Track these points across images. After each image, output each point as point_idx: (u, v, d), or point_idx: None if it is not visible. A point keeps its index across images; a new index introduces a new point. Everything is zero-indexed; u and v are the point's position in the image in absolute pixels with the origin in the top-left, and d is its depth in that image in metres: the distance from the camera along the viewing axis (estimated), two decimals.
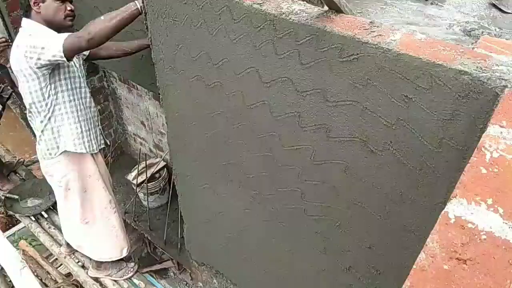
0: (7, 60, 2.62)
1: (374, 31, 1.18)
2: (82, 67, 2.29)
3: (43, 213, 3.32)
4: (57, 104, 2.14)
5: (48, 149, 2.25)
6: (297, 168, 1.60)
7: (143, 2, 1.75)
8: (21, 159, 3.96)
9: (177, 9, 1.58)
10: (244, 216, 2.05)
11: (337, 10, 1.27)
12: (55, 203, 3.10)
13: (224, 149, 1.87)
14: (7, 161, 3.84)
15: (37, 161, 4.31)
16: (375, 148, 1.32)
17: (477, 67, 1.02)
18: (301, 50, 1.31)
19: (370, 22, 1.22)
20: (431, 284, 0.55)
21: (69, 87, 2.16)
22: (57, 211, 3.19)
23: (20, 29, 2.08)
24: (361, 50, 1.17)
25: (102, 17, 1.88)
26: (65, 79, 2.13)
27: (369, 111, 1.26)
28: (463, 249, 0.60)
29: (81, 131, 2.25)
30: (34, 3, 2.01)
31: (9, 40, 2.86)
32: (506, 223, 0.63)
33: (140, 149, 3.67)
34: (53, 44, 1.89)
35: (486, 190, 0.69)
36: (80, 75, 2.23)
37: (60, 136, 2.21)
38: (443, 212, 0.66)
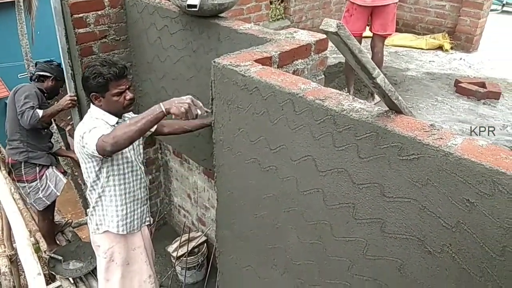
0: (67, 124, 2.85)
1: (434, 134, 1.22)
2: (140, 146, 2.43)
3: (82, 276, 3.35)
4: (108, 186, 2.25)
5: (97, 225, 2.35)
6: (348, 261, 1.57)
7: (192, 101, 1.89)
8: (70, 220, 4.11)
9: (243, 98, 1.71)
10: None
11: (398, 111, 1.33)
12: (95, 268, 3.15)
13: (272, 232, 1.88)
14: (56, 221, 3.99)
15: (84, 223, 4.47)
16: (432, 249, 1.28)
17: None
18: (359, 145, 1.36)
19: (431, 124, 1.26)
20: None
21: (121, 172, 2.26)
22: (95, 277, 3.23)
23: (87, 112, 2.27)
24: (421, 151, 1.20)
25: (128, 121, 1.96)
26: (117, 164, 2.23)
27: (428, 211, 1.25)
28: None
29: (126, 213, 2.33)
30: (95, 99, 2.18)
31: (76, 101, 3.13)
32: None
33: (185, 223, 3.73)
34: (89, 143, 2.00)
35: None
36: (134, 157, 2.33)
37: (106, 215, 2.32)
38: None
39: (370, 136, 1.32)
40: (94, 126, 2.06)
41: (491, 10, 5.71)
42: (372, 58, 3.69)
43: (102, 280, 2.55)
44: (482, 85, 4.01)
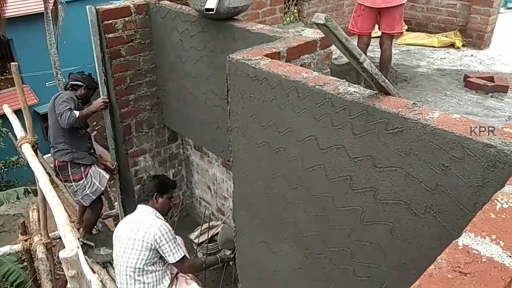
0: (93, 130, 3.18)
1: (415, 110, 1.42)
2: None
3: (111, 261, 3.64)
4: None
5: None
6: (347, 228, 1.78)
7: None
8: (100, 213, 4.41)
9: (254, 88, 1.95)
10: (296, 276, 2.19)
11: (386, 93, 1.54)
12: None
13: (282, 208, 2.10)
14: None
15: (113, 215, 4.77)
16: (417, 211, 1.48)
17: (502, 142, 1.21)
18: (353, 123, 1.57)
19: (413, 103, 1.46)
20: (435, 286, 0.72)
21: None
22: None
23: (149, 209, 2.78)
24: (404, 124, 1.41)
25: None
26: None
27: (412, 177, 1.45)
28: (465, 266, 0.76)
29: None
30: (156, 196, 2.80)
31: (108, 103, 3.47)
32: (504, 252, 0.79)
33: (204, 212, 3.97)
34: (172, 253, 2.67)
35: (492, 229, 0.85)
36: None
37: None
38: (454, 241, 0.83)
39: (361, 114, 1.53)
40: (174, 236, 2.70)
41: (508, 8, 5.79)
42: (381, 56, 3.89)
43: None
44: (491, 79, 4.14)
